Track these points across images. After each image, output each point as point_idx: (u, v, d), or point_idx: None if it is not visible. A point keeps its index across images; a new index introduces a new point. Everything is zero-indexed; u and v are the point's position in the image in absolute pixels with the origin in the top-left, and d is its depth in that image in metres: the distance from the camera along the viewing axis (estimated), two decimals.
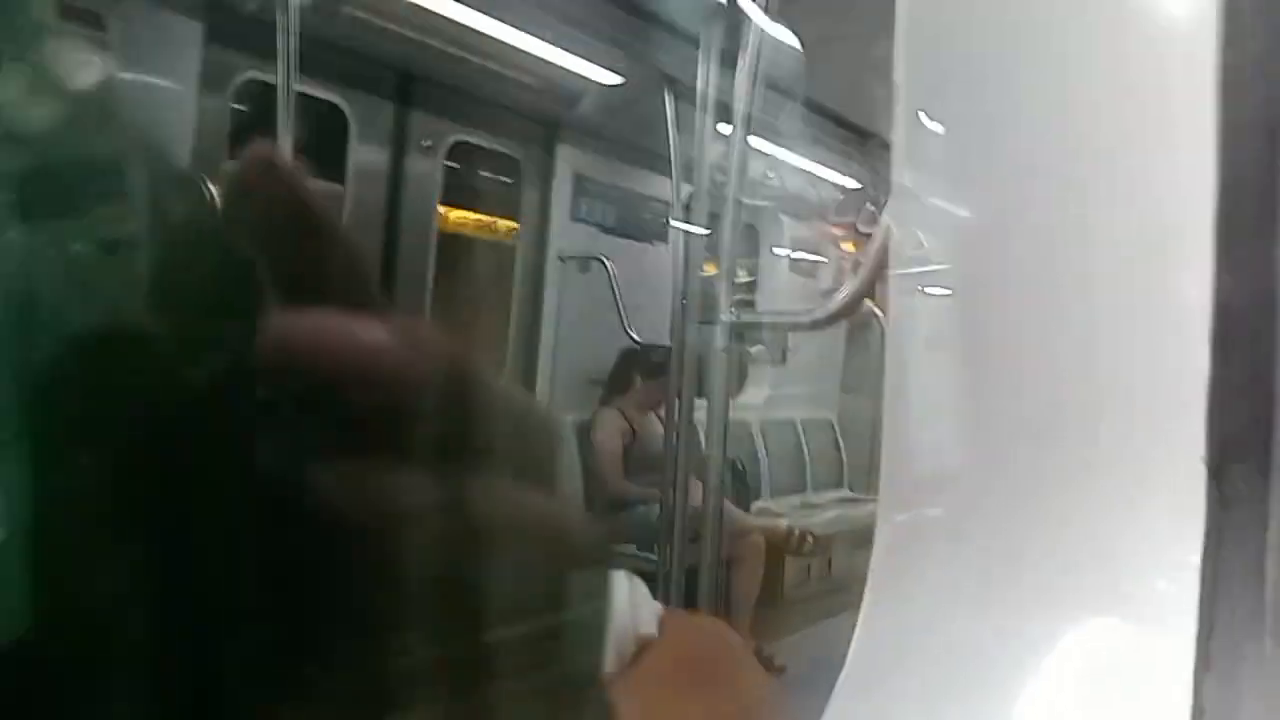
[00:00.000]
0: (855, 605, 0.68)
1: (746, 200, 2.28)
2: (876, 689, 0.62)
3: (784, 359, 1.88)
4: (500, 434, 0.16)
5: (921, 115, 0.88)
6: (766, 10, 2.07)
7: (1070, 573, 0.61)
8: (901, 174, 0.90)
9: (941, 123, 0.88)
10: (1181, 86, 0.64)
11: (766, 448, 4.97)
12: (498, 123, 3.80)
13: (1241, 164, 0.53)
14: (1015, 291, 0.79)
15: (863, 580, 0.69)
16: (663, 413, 3.63)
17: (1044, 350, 0.70)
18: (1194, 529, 0.54)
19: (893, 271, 0.91)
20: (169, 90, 2.57)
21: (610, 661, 0.47)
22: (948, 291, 0.85)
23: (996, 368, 0.73)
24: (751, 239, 5.02)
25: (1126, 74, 0.74)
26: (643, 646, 0.50)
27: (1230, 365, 0.55)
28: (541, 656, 0.17)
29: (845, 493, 5.41)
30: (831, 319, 1.74)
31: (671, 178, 3.46)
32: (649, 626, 0.52)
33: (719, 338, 2.10)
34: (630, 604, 0.52)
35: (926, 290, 0.87)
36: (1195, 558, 0.53)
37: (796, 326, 1.86)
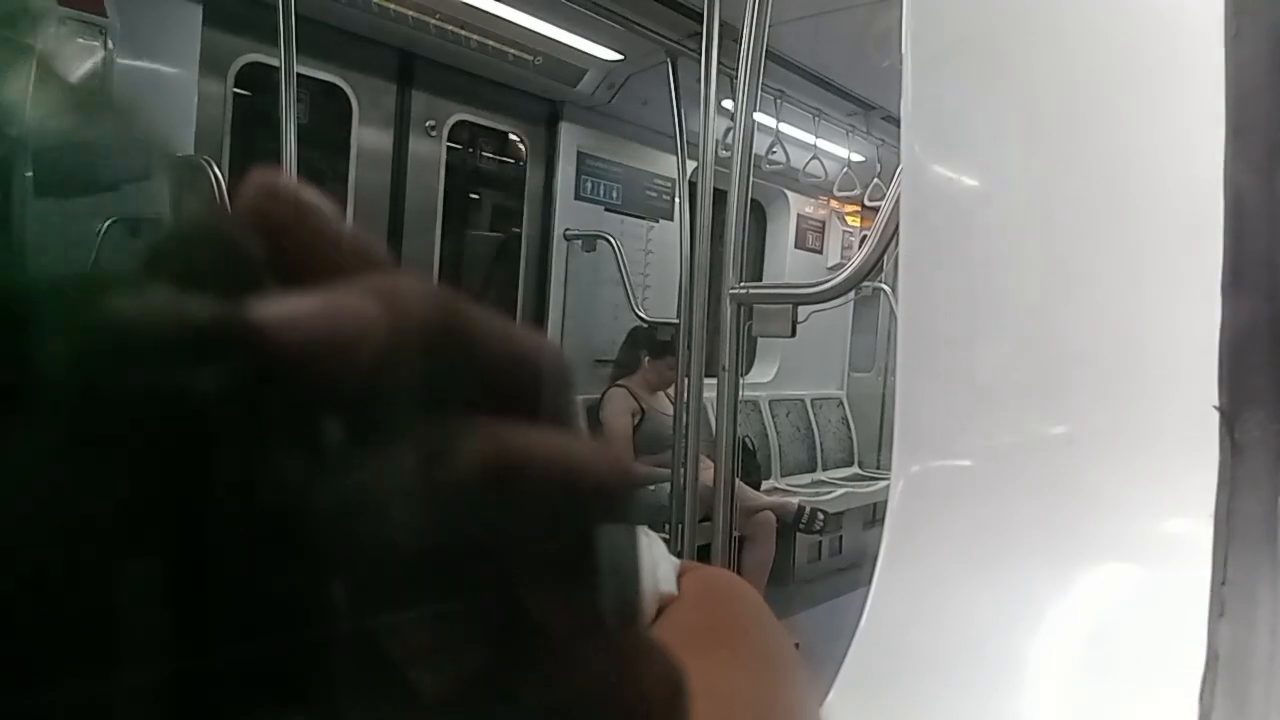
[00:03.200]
0: (867, 582, 0.68)
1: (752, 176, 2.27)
2: (894, 638, 0.63)
3: (793, 332, 1.87)
4: (505, 376, 0.16)
5: (929, 86, 0.87)
6: None
7: (1084, 521, 0.61)
8: (910, 145, 0.90)
9: (948, 93, 0.88)
10: (1185, 46, 0.64)
11: (776, 426, 4.98)
12: (500, 101, 3.79)
13: (1250, 112, 0.53)
14: (1025, 253, 0.79)
15: (874, 557, 0.69)
16: (671, 391, 3.64)
17: (1055, 306, 0.70)
18: (1208, 476, 0.54)
19: (902, 241, 0.91)
20: (170, 74, 2.57)
21: None
22: (957, 257, 0.85)
23: (1006, 325, 0.73)
24: (758, 215, 5.02)
25: (1130, 40, 0.74)
26: (663, 605, 0.51)
27: (1243, 313, 0.55)
28: (578, 600, 0.16)
29: (856, 470, 5.42)
30: (840, 290, 1.73)
31: (677, 154, 3.44)
32: (669, 585, 0.52)
33: (727, 313, 2.09)
34: (650, 562, 0.52)
35: (936, 257, 0.87)
36: (1209, 504, 0.53)
37: (805, 299, 1.85)
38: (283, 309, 0.14)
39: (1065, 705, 0.57)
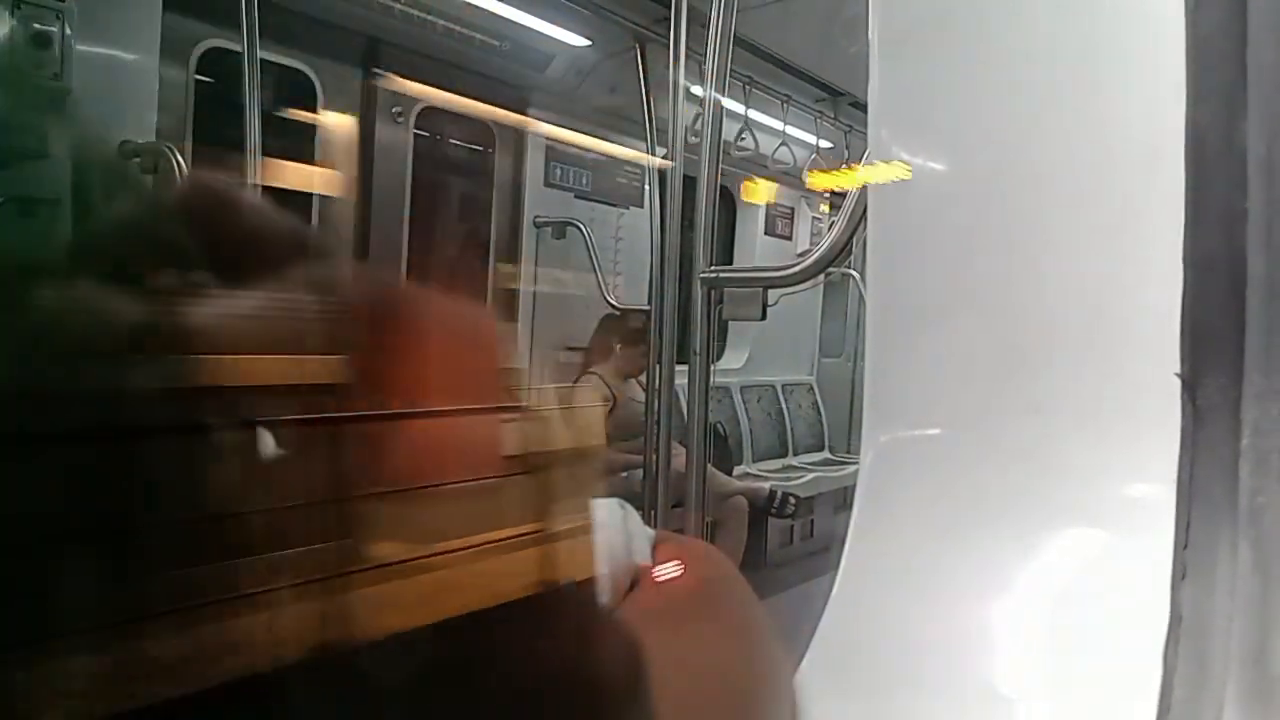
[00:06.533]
0: (839, 565, 0.69)
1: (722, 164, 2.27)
2: (866, 606, 0.64)
3: (764, 315, 1.88)
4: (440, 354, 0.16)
5: (896, 66, 0.88)
6: None
7: (1051, 488, 0.62)
8: (878, 129, 0.91)
9: (916, 72, 0.88)
10: (1150, 18, 0.65)
11: (748, 412, 5.01)
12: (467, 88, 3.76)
13: (1212, 79, 0.54)
14: (992, 228, 0.80)
15: (845, 542, 0.70)
16: (643, 378, 3.64)
17: (1023, 279, 0.71)
18: (1171, 442, 0.55)
19: (870, 223, 0.91)
20: (130, 59, 2.52)
21: (608, 594, 0.48)
22: (924, 236, 0.86)
23: (974, 299, 0.74)
24: (728, 202, 5.03)
25: (1097, 12, 0.74)
26: (638, 577, 0.51)
27: (1205, 282, 0.56)
28: (530, 571, 0.16)
29: (827, 455, 5.46)
30: (810, 273, 1.74)
31: (646, 141, 3.44)
32: (644, 556, 0.52)
33: (698, 298, 2.10)
34: (625, 534, 0.52)
35: (903, 237, 0.88)
36: (1172, 470, 0.54)
37: (775, 282, 1.85)
38: (221, 308, 0.14)
39: (1033, 668, 0.58)
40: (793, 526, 4.39)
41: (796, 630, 0.69)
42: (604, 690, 0.17)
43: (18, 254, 0.15)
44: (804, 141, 4.54)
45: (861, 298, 4.93)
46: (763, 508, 4.00)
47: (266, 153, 2.49)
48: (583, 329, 4.01)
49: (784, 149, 4.33)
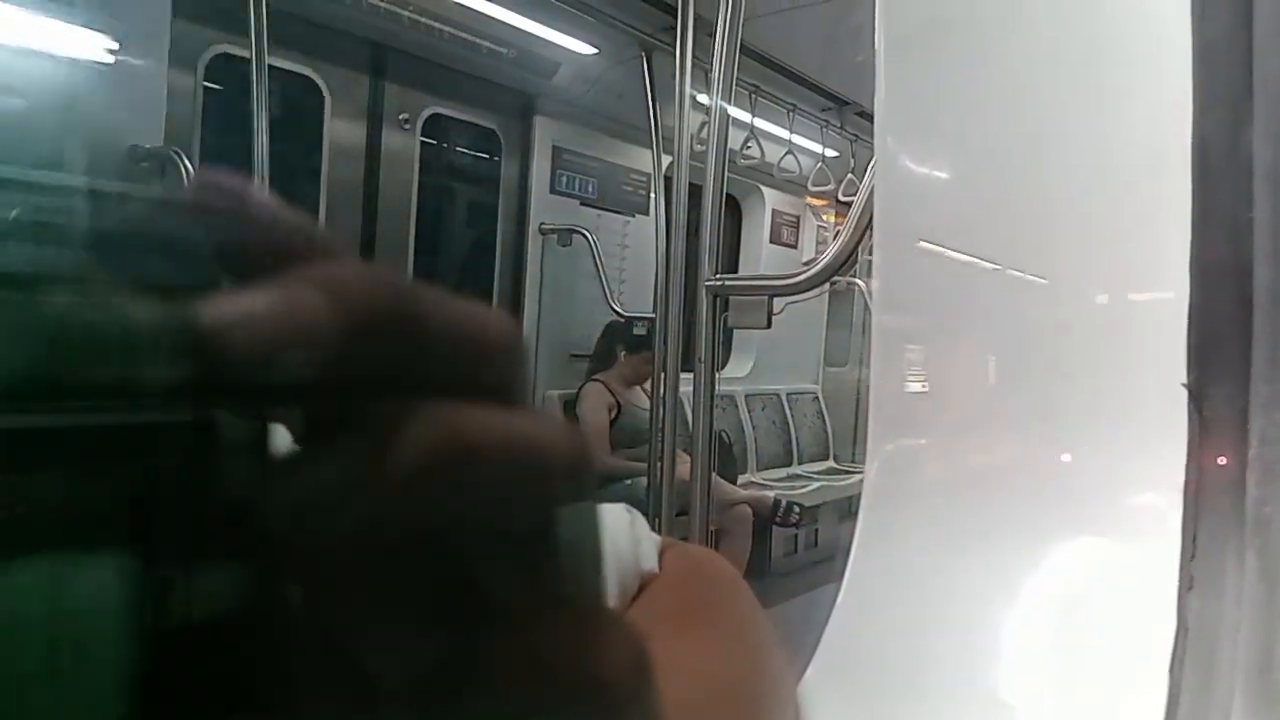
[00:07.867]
0: (843, 575, 0.68)
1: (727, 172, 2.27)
2: (870, 614, 0.64)
3: (768, 324, 1.88)
4: (455, 355, 0.16)
5: (902, 71, 0.88)
6: None
7: (1058, 497, 0.62)
8: (884, 137, 0.91)
9: (922, 78, 0.88)
10: (1152, 42, 0.65)
11: (752, 420, 5.00)
12: (474, 95, 3.77)
13: (1217, 86, 0.54)
14: (998, 237, 0.79)
15: (849, 551, 0.69)
16: (648, 386, 3.64)
17: (1030, 287, 0.71)
18: (1177, 451, 0.55)
19: (876, 232, 0.91)
20: (138, 65, 2.53)
21: (615, 599, 0.48)
22: (930, 244, 0.86)
23: (980, 308, 0.74)
24: (733, 210, 5.03)
25: (1105, 18, 0.74)
26: (645, 582, 0.51)
27: (1211, 291, 0.56)
28: (536, 582, 0.16)
29: (831, 464, 5.45)
30: (815, 281, 1.74)
31: (652, 149, 3.44)
32: (650, 562, 0.52)
33: (703, 306, 2.10)
34: (632, 539, 0.52)
35: (909, 245, 0.88)
36: (1178, 478, 0.54)
37: (780, 290, 1.85)
38: (230, 308, 0.14)
39: (1040, 677, 0.58)
40: (797, 536, 4.38)
41: (801, 638, 0.68)
42: (610, 695, 0.17)
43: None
44: (810, 150, 4.54)
45: (866, 306, 4.93)
46: (767, 517, 4.00)
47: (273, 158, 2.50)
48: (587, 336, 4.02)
49: (790, 158, 4.33)
